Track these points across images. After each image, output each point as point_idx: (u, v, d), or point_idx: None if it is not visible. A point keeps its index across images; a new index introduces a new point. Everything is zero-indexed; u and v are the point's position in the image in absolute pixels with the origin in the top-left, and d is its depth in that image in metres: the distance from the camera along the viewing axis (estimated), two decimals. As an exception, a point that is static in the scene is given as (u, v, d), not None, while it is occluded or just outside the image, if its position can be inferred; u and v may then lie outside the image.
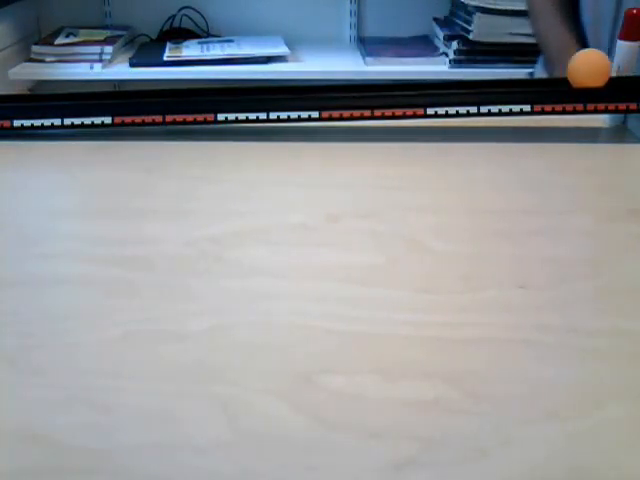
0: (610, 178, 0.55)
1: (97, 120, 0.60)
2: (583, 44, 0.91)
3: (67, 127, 0.61)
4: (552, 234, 0.45)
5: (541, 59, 1.07)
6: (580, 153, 0.59)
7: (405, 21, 1.71)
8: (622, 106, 0.59)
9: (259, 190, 0.52)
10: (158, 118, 0.60)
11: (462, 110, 0.59)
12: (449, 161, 0.57)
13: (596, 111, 0.59)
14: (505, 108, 0.59)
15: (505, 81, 0.62)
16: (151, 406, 0.30)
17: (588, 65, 0.60)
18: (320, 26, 1.73)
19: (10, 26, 1.53)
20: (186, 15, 1.71)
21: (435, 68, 1.52)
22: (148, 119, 0.61)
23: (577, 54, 0.61)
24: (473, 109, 0.59)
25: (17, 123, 0.61)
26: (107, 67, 1.52)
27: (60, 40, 1.56)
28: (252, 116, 0.60)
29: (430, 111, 0.60)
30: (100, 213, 0.49)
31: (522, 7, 1.46)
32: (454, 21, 1.59)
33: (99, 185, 0.54)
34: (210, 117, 0.60)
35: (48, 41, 1.57)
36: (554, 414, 0.30)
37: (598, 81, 0.59)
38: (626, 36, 0.61)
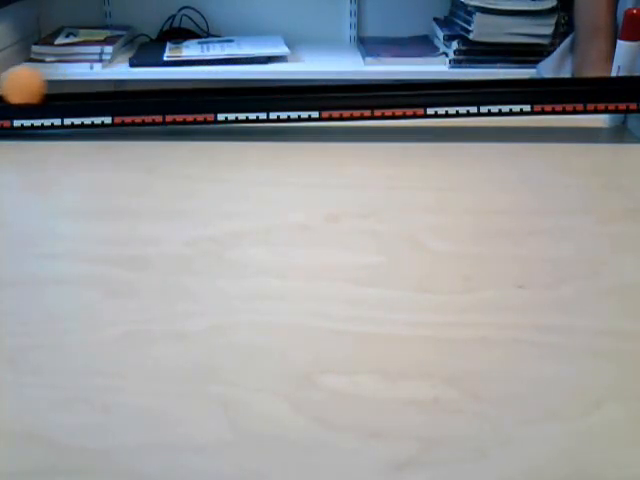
0: (610, 178, 0.55)
1: (97, 120, 0.60)
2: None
3: (67, 127, 0.61)
4: (552, 234, 0.45)
5: (545, 59, 1.07)
6: (580, 153, 0.59)
7: (405, 21, 1.70)
8: (622, 106, 0.59)
9: (259, 190, 0.52)
10: (158, 118, 0.60)
11: (462, 110, 0.59)
12: (449, 161, 0.57)
13: (596, 111, 0.59)
14: (505, 108, 0.59)
15: (505, 81, 0.62)
16: (151, 406, 0.30)
17: (19, 83, 0.60)
18: (320, 26, 1.73)
19: (10, 26, 1.53)
20: (186, 15, 1.71)
21: (435, 68, 1.52)
22: (148, 119, 0.61)
23: (9, 72, 0.61)
24: (473, 109, 0.59)
25: (17, 123, 0.61)
26: (107, 67, 1.52)
27: (60, 40, 1.56)
28: (252, 116, 0.60)
29: (430, 111, 0.60)
30: (100, 213, 0.49)
31: (522, 7, 1.47)
32: (454, 21, 1.59)
33: (99, 185, 0.53)
34: (210, 117, 0.60)
35: (48, 41, 1.56)
36: (554, 414, 0.30)
37: (31, 99, 0.59)
38: (626, 36, 0.61)
